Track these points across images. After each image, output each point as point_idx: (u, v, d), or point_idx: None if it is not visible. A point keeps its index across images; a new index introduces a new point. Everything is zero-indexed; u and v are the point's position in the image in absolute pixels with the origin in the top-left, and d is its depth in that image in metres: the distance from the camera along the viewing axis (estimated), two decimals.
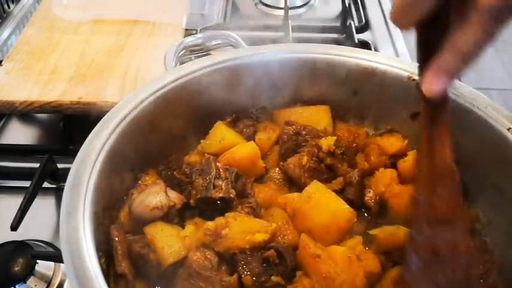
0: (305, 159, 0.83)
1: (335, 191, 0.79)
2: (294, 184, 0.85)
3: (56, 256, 0.83)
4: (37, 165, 0.96)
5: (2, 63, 1.17)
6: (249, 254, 0.70)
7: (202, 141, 0.88)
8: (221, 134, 0.87)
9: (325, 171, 0.84)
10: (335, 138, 0.85)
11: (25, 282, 0.80)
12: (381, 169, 0.84)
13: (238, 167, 0.81)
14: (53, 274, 0.83)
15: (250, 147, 0.85)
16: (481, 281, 0.71)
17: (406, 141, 0.88)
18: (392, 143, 0.88)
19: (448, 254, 0.60)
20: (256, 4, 1.63)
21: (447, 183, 0.59)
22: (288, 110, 0.92)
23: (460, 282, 0.60)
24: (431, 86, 0.53)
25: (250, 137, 0.89)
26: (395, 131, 0.90)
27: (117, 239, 0.70)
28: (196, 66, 0.85)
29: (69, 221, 0.61)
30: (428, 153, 0.59)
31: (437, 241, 0.60)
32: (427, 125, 0.59)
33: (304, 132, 0.87)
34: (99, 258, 0.60)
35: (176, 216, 0.76)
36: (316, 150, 0.84)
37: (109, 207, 0.72)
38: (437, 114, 0.58)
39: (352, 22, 1.43)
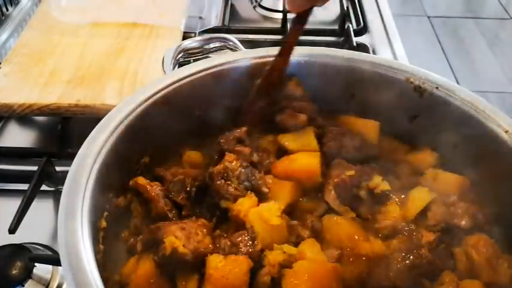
0: None
1: None
2: None
3: (54, 259, 0.83)
4: (35, 168, 0.96)
5: (0, 65, 1.17)
6: None
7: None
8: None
9: None
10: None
11: (23, 286, 0.80)
12: None
13: (292, 178, 0.78)
14: (51, 277, 0.83)
15: (313, 160, 0.79)
16: None
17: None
18: None
19: None
20: (254, 7, 1.63)
21: None
22: None
23: None
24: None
25: None
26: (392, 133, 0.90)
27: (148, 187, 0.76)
28: (195, 69, 0.85)
29: (67, 224, 0.61)
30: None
31: None
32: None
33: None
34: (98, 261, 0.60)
35: None
36: None
37: None
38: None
39: (350, 25, 1.43)
